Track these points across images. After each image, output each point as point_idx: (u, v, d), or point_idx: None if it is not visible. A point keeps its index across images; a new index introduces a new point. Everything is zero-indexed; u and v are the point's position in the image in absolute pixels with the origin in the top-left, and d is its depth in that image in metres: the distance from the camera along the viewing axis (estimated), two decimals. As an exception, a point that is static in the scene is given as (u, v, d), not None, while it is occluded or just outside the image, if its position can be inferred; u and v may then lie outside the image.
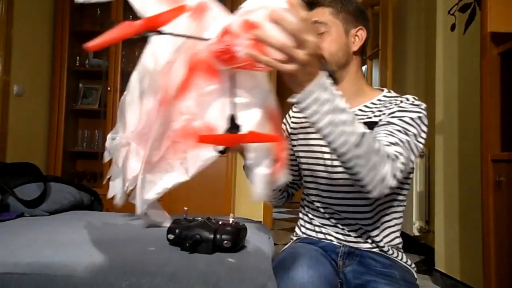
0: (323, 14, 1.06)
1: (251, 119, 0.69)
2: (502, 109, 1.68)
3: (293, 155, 1.23)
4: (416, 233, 2.95)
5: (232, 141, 0.71)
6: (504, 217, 1.58)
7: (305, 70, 0.70)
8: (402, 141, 0.92)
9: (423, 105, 1.02)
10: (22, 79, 2.95)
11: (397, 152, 0.90)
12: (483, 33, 1.71)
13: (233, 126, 0.68)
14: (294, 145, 1.22)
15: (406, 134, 0.94)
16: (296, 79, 0.72)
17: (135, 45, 3.49)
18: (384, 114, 1.03)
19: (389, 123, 0.97)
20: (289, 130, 1.26)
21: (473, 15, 2.29)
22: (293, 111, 1.29)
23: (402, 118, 0.97)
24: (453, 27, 2.49)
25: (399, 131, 0.95)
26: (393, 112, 1.00)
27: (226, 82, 0.69)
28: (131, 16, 3.44)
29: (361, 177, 0.83)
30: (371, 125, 1.03)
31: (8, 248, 0.85)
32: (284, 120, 1.30)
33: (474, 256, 2.14)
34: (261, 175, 0.69)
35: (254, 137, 0.66)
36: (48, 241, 0.92)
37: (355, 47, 1.10)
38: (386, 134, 0.94)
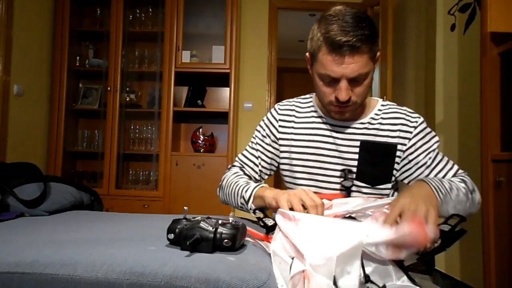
0: (363, 62, 0.98)
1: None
2: (502, 109, 1.68)
3: (272, 160, 1.24)
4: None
5: None
6: (504, 217, 1.58)
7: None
8: (452, 163, 1.12)
9: (421, 118, 1.13)
10: (22, 79, 2.95)
11: (462, 173, 1.10)
12: (483, 33, 1.71)
13: None
14: (282, 151, 1.21)
15: (443, 157, 1.13)
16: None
17: (135, 45, 3.50)
18: (400, 137, 1.11)
19: (432, 161, 1.11)
20: (278, 136, 1.22)
21: (473, 15, 2.29)
22: (279, 114, 1.23)
23: (435, 154, 1.11)
24: (453, 27, 2.50)
25: (441, 160, 1.11)
26: (424, 149, 1.11)
27: None
28: (130, 16, 3.44)
29: (472, 213, 1.06)
30: (388, 147, 1.10)
31: (8, 247, 0.85)
32: (271, 118, 1.24)
33: (474, 256, 2.14)
34: None
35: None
36: (48, 240, 0.92)
37: None
38: (444, 171, 1.10)
